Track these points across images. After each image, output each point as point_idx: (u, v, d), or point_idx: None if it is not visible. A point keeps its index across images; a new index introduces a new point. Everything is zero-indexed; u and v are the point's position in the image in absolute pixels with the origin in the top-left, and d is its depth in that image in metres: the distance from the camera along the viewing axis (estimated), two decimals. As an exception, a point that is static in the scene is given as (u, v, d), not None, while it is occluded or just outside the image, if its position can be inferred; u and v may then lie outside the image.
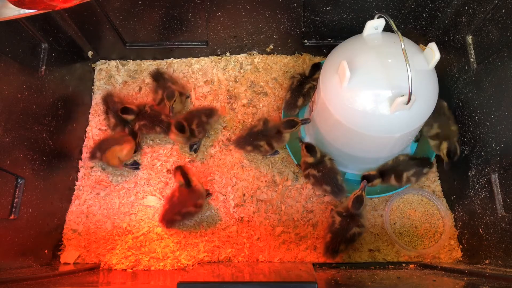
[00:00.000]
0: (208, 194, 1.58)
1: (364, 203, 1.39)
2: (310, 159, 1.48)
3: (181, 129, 1.52)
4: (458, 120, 1.49)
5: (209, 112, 1.62)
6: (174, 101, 1.60)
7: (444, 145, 1.46)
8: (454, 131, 1.47)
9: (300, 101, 1.61)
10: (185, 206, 1.46)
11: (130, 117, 1.61)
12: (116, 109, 1.62)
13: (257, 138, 1.53)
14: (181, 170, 1.45)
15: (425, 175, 1.52)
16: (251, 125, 1.58)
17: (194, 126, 1.57)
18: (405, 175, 1.47)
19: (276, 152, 1.64)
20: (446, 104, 1.50)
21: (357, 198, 1.38)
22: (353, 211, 1.39)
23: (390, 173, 1.48)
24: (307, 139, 1.61)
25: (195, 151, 1.66)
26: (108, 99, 1.66)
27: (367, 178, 1.47)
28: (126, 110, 1.59)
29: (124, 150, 1.56)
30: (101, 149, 1.57)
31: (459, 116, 1.48)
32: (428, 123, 1.47)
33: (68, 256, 1.51)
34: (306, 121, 1.50)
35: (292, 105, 1.62)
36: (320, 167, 1.47)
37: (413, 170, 1.47)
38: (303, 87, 1.61)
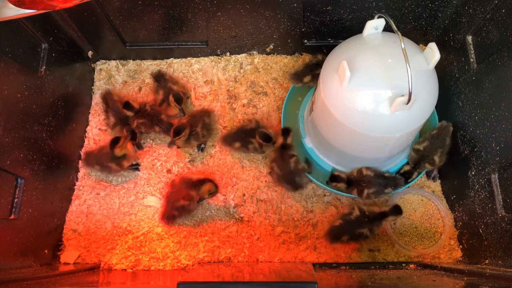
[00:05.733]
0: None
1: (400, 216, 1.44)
2: (283, 141, 1.50)
3: (177, 132, 1.53)
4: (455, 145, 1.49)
5: (207, 113, 1.64)
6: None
7: (406, 168, 1.51)
8: (435, 160, 1.48)
9: (306, 78, 1.63)
10: (177, 198, 1.47)
11: (130, 113, 1.62)
12: (117, 107, 1.63)
13: (250, 135, 1.54)
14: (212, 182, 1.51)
15: (386, 194, 1.52)
16: (242, 124, 1.60)
17: (199, 129, 1.58)
18: (365, 192, 1.47)
19: (262, 152, 1.64)
20: (452, 130, 1.48)
21: (396, 208, 1.42)
22: (379, 215, 1.41)
23: (354, 185, 1.48)
24: (307, 139, 1.61)
25: (202, 150, 1.66)
26: (107, 97, 1.67)
27: (336, 177, 1.48)
28: (128, 105, 1.60)
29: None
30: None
31: (458, 116, 1.48)
32: (422, 140, 1.49)
33: (68, 256, 1.51)
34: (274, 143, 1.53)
35: (298, 77, 1.64)
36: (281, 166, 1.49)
37: (374, 189, 1.47)
38: (318, 69, 1.60)
